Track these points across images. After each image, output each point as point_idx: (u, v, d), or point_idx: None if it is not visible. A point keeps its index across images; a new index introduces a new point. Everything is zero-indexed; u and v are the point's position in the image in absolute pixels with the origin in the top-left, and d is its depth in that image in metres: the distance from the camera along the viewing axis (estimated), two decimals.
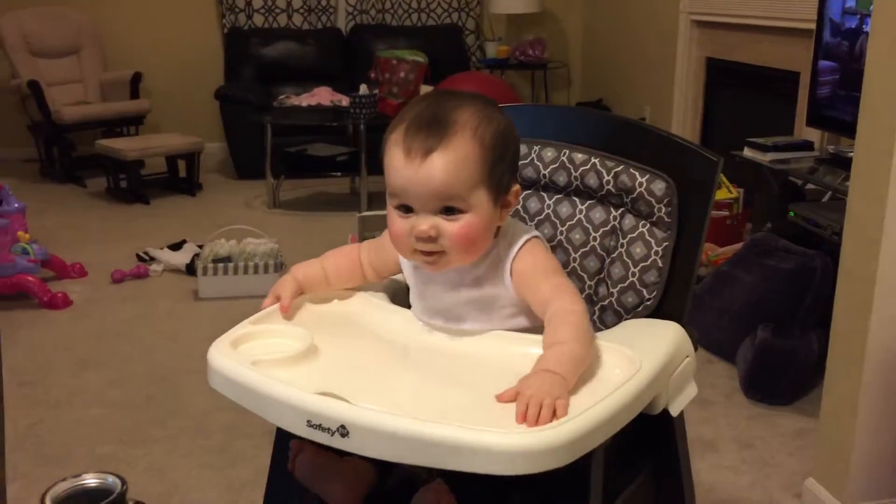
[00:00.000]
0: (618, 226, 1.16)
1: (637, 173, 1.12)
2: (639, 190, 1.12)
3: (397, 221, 1.04)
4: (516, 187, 1.07)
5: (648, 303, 1.12)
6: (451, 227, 1.01)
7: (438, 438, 0.78)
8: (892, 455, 1.92)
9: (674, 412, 0.99)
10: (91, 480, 0.43)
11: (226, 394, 0.93)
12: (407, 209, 1.03)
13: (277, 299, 1.10)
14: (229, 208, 4.71)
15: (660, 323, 1.04)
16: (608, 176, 1.15)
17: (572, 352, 0.93)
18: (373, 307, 1.10)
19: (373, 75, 4.66)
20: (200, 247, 3.67)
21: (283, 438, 1.07)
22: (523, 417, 0.84)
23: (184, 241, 3.90)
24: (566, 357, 0.92)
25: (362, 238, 3.51)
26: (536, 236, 1.09)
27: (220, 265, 3.37)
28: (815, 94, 3.10)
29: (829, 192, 3.04)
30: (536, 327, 1.04)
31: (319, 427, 0.83)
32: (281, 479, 1.08)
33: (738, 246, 3.15)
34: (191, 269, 3.59)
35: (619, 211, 1.16)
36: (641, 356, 0.94)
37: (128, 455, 2.22)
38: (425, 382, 0.97)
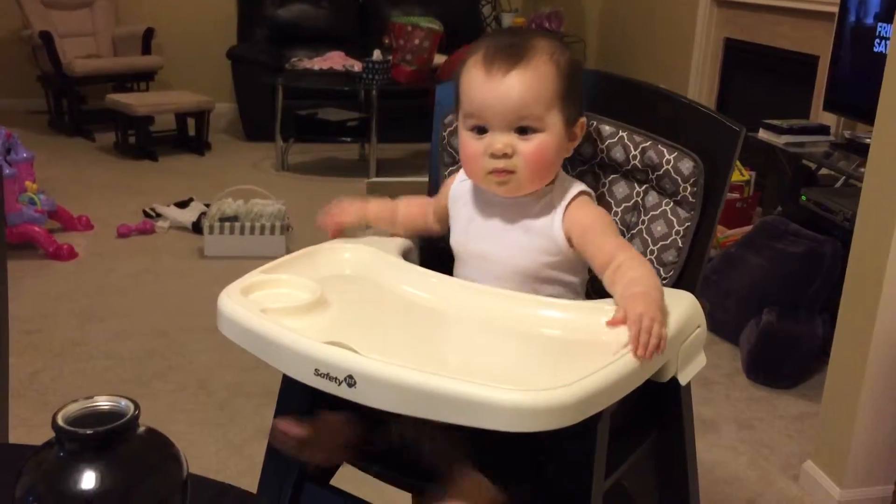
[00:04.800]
0: (640, 202, 1.15)
1: (665, 150, 1.10)
2: (666, 167, 1.10)
3: (471, 143, 1.07)
4: (582, 120, 1.10)
5: (665, 282, 1.10)
6: (526, 146, 1.04)
7: (445, 391, 0.78)
8: (891, 442, 1.92)
9: (683, 381, 0.98)
10: (104, 403, 0.42)
11: (234, 340, 0.92)
12: (481, 130, 1.06)
13: (337, 223, 1.16)
14: (237, 169, 4.69)
15: (673, 292, 1.03)
16: (635, 151, 1.13)
17: (648, 278, 0.98)
18: (385, 263, 1.10)
19: (387, 41, 4.61)
20: (207, 205, 3.66)
21: (289, 391, 1.06)
22: (637, 343, 0.88)
23: (190, 199, 3.89)
24: (647, 284, 0.97)
25: None
26: (588, 192, 1.11)
27: (227, 224, 3.36)
28: (834, 79, 3.07)
29: (843, 178, 3.02)
30: (566, 282, 1.09)
31: (327, 376, 0.82)
32: (292, 402, 1.07)
33: (748, 228, 3.13)
34: (197, 227, 3.58)
35: (644, 187, 1.15)
36: None
37: None
38: (435, 337, 0.97)
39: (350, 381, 0.81)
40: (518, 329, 0.94)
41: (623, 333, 0.91)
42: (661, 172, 1.10)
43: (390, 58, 4.53)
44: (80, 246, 3.38)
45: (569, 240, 1.07)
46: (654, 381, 0.93)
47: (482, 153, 1.05)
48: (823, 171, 3.11)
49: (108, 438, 0.40)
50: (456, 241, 1.15)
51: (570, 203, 1.08)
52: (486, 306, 0.99)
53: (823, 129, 3.16)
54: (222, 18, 5.80)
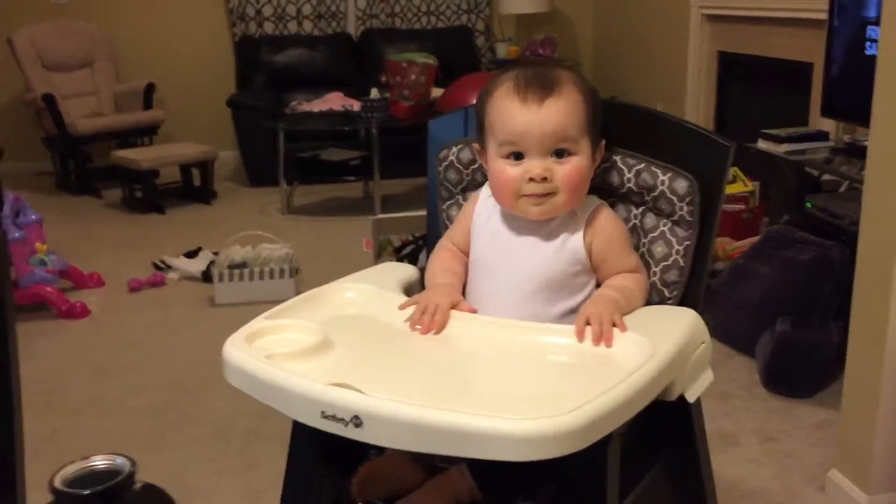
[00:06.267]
0: (639, 224, 1.16)
1: (659, 171, 1.12)
2: (661, 188, 1.12)
3: (507, 169, 1.11)
4: (602, 142, 1.15)
5: (669, 301, 1.12)
6: (563, 169, 1.09)
7: (451, 426, 0.78)
8: None
9: (690, 398, 0.98)
10: (100, 462, 0.43)
11: (241, 388, 0.93)
12: (517, 156, 1.10)
13: (432, 315, 1.09)
14: (244, 215, 4.72)
15: (675, 309, 1.03)
16: (629, 174, 1.15)
17: (631, 291, 1.06)
18: (387, 301, 1.10)
19: (384, 79, 4.66)
20: (216, 254, 3.68)
21: (300, 435, 1.07)
22: (581, 332, 0.97)
23: (199, 249, 3.91)
24: (626, 292, 1.05)
25: (376, 241, 3.51)
26: (605, 204, 1.16)
27: (236, 271, 3.38)
28: (829, 84, 3.08)
29: (846, 182, 3.01)
30: (585, 292, 1.13)
31: (333, 417, 0.82)
32: (299, 476, 1.08)
33: (755, 239, 3.13)
34: (207, 276, 3.60)
35: (641, 209, 1.16)
36: (657, 341, 0.93)
37: (147, 461, 2.19)
38: (438, 372, 0.97)
39: (357, 421, 0.81)
40: (524, 357, 0.95)
41: (628, 358, 0.91)
42: (656, 193, 1.11)
43: (388, 95, 4.58)
44: (93, 303, 3.40)
45: (588, 249, 1.11)
46: (663, 400, 0.93)
47: (519, 178, 1.09)
48: (826, 176, 3.10)
49: (106, 497, 0.41)
50: (480, 255, 1.17)
51: (591, 214, 1.13)
52: (491, 336, 1.00)
53: (823, 136, 3.17)
54: (221, 68, 5.88)
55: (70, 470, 0.41)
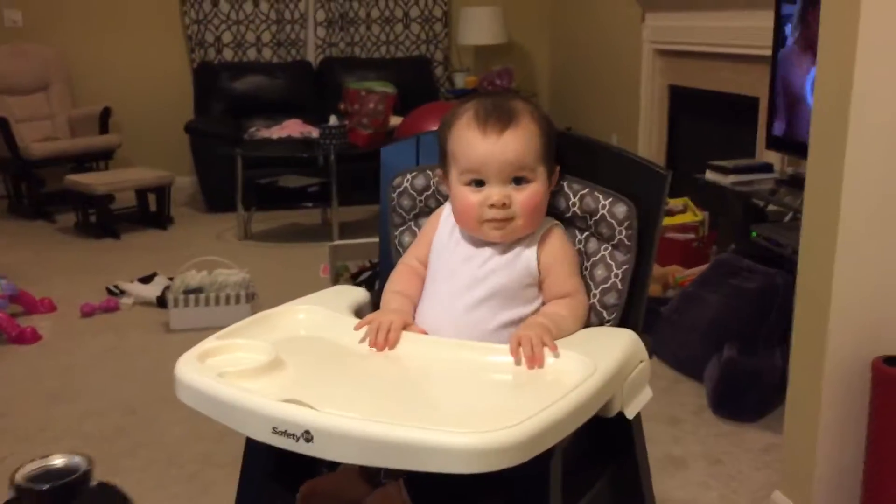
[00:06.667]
0: (583, 249, 1.21)
1: (601, 196, 1.18)
2: (602, 212, 1.17)
3: (469, 196, 1.16)
4: (557, 167, 1.21)
5: (608, 323, 1.16)
6: (521, 195, 1.16)
7: (398, 440, 0.81)
8: (854, 466, 1.96)
9: (629, 415, 1.02)
10: (58, 460, 0.45)
11: (193, 406, 0.95)
12: (478, 183, 1.15)
13: (386, 333, 1.12)
14: (201, 241, 4.71)
15: (614, 330, 1.08)
16: (574, 198, 1.20)
17: (560, 316, 1.11)
18: (337, 322, 1.13)
19: (342, 107, 4.70)
20: (171, 279, 3.66)
21: (252, 453, 1.08)
22: (516, 352, 1.02)
23: (154, 274, 3.89)
24: (554, 317, 1.10)
25: (333, 267, 3.53)
26: (559, 225, 1.22)
27: (192, 296, 3.37)
28: (773, 119, 3.19)
29: (790, 213, 3.11)
30: (535, 306, 1.18)
31: (284, 433, 0.85)
32: (249, 495, 1.09)
33: (704, 267, 3.21)
34: (161, 302, 3.58)
35: (584, 235, 1.22)
36: (597, 360, 0.97)
37: None
38: (387, 389, 1.00)
39: (307, 436, 0.84)
40: (470, 375, 0.99)
41: (569, 375, 0.95)
42: (598, 217, 1.16)
43: (346, 122, 4.62)
44: (44, 328, 3.36)
45: (538, 263, 1.17)
46: (603, 416, 0.97)
47: (481, 204, 1.15)
48: (771, 207, 3.20)
49: (64, 493, 0.43)
50: (439, 263, 1.22)
51: (545, 232, 1.18)
52: (438, 356, 1.03)
53: (767, 168, 3.27)
54: (178, 94, 5.88)
55: (30, 468, 0.43)
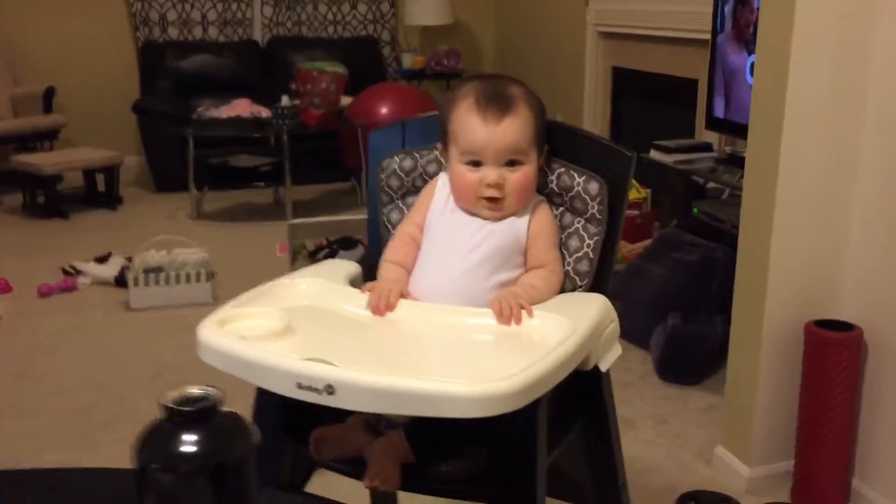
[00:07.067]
0: (559, 222, 1.35)
1: (576, 174, 1.31)
2: (577, 189, 1.30)
3: (467, 174, 1.28)
4: (546, 148, 1.33)
5: (581, 288, 1.30)
6: (514, 176, 1.28)
7: (412, 390, 0.93)
8: (789, 421, 2.15)
9: (603, 368, 1.16)
10: (195, 390, 0.55)
11: (217, 365, 1.05)
12: (476, 164, 1.27)
13: (387, 299, 1.21)
14: (152, 221, 4.72)
15: (588, 295, 1.22)
16: (552, 176, 1.33)
17: (534, 287, 1.23)
18: (337, 292, 1.24)
19: (294, 86, 4.75)
20: (129, 259, 3.69)
21: (265, 408, 1.20)
22: (499, 313, 1.14)
23: (109, 254, 3.91)
24: (528, 288, 1.22)
25: (292, 245, 3.61)
26: (545, 200, 1.35)
27: (152, 275, 3.41)
28: (712, 101, 3.37)
29: (728, 190, 3.30)
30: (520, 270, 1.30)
31: (309, 388, 0.96)
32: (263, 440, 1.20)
33: (648, 242, 3.39)
34: (120, 281, 3.61)
35: (560, 210, 1.34)
36: (576, 320, 1.11)
37: (76, 460, 2.27)
38: (393, 349, 1.12)
39: (330, 389, 0.95)
40: (465, 336, 1.11)
41: (552, 334, 1.08)
42: (573, 193, 1.30)
43: (297, 102, 4.67)
44: (1, 308, 3.37)
45: (527, 232, 1.30)
46: (580, 370, 1.10)
47: (478, 183, 1.27)
48: (711, 184, 3.39)
49: (203, 414, 0.54)
50: (436, 228, 1.33)
51: (536, 206, 1.31)
52: (433, 320, 1.15)
53: (707, 147, 3.46)
54: (123, 73, 5.83)
55: (174, 394, 0.53)
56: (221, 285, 3.55)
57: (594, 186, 1.28)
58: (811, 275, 2.08)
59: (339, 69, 4.71)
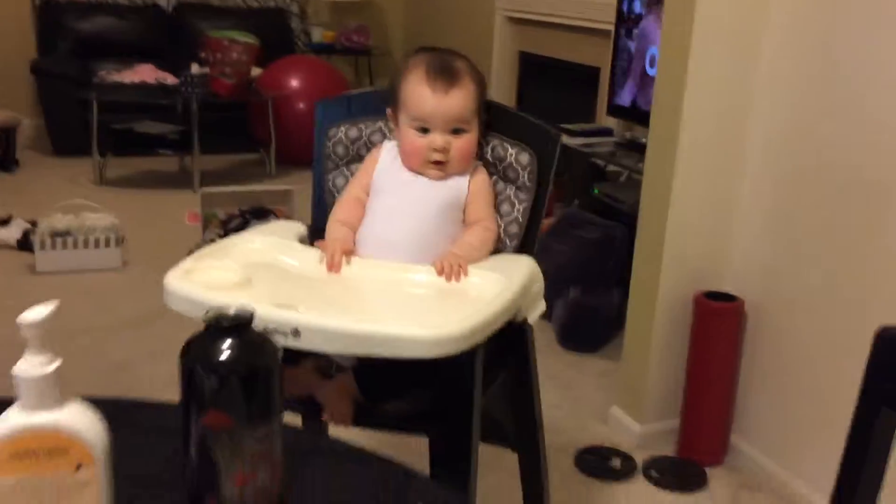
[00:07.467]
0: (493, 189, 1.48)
1: (509, 146, 1.46)
2: (509, 160, 1.45)
3: (417, 139, 1.41)
4: (486, 119, 1.48)
5: (510, 249, 1.45)
6: (458, 142, 1.42)
7: (376, 333, 1.05)
8: (676, 384, 2.37)
9: (531, 320, 1.31)
10: (232, 309, 0.64)
11: (186, 313, 1.13)
12: (424, 130, 1.39)
13: (341, 256, 1.31)
14: (53, 185, 4.61)
15: (518, 256, 1.37)
16: (487, 147, 1.47)
17: (472, 247, 1.37)
18: (288, 248, 1.34)
19: (204, 55, 4.71)
20: (31, 222, 3.63)
21: None
22: (440, 272, 1.27)
23: (10, 217, 3.82)
24: (467, 248, 1.36)
25: (205, 213, 3.63)
26: (482, 166, 1.49)
27: (59, 239, 3.38)
28: (614, 88, 3.58)
29: (626, 172, 3.53)
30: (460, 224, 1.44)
31: (275, 331, 1.06)
32: None
33: (552, 220, 3.58)
34: (23, 245, 3.55)
35: (494, 178, 1.49)
36: (509, 277, 1.25)
37: None
38: (345, 298, 1.23)
39: (296, 332, 1.05)
40: (412, 289, 1.24)
41: (484, 290, 1.22)
42: (506, 164, 1.44)
43: (208, 71, 4.64)
44: None
45: (467, 191, 1.43)
46: (511, 322, 1.24)
47: (426, 147, 1.40)
48: (610, 167, 3.61)
49: (238, 327, 0.64)
50: (384, 189, 1.45)
51: (476, 168, 1.45)
52: (376, 276, 1.28)
53: (608, 132, 3.68)
54: (18, 32, 5.61)
55: (213, 311, 0.62)
56: (131, 251, 3.54)
57: (525, 157, 1.43)
58: (701, 252, 2.30)
59: (251, 40, 4.71)
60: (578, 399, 2.63)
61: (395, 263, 1.30)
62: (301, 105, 5.02)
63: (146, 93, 4.91)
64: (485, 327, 1.11)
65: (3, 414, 0.60)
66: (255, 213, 3.69)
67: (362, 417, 1.26)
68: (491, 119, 1.48)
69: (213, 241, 3.53)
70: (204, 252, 1.29)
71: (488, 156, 1.47)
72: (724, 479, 2.25)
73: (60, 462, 0.58)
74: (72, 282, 3.26)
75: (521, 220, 1.44)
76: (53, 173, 4.88)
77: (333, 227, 1.42)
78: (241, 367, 0.63)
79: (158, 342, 2.74)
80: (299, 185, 3.90)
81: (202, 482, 0.65)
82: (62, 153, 5.20)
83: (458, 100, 1.39)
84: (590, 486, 2.20)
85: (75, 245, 3.39)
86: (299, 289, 1.23)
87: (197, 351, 0.63)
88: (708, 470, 2.27)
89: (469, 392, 1.20)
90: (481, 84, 1.45)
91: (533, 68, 4.96)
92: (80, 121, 4.92)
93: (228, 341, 0.63)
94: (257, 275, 1.23)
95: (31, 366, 0.59)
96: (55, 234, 3.39)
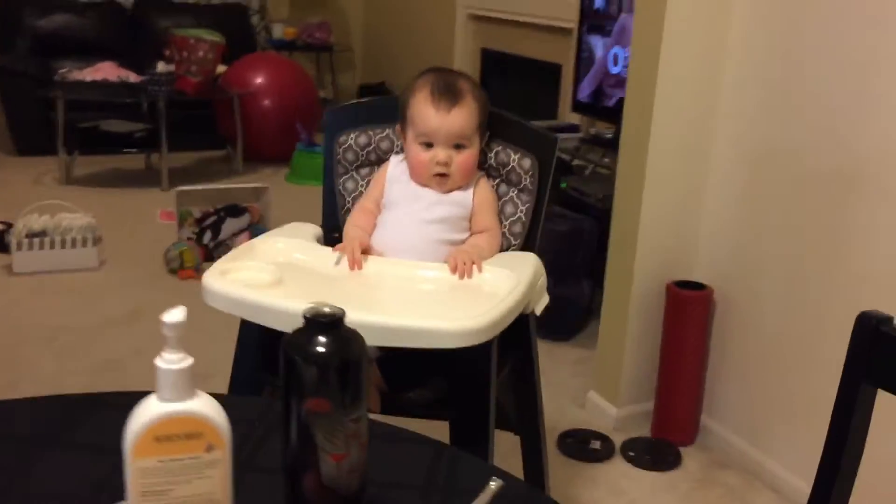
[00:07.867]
0: (496, 192, 1.60)
1: (511, 152, 1.57)
2: (512, 164, 1.56)
3: (421, 154, 1.51)
4: (487, 134, 1.58)
5: (514, 247, 1.58)
6: (460, 157, 1.53)
7: (409, 326, 1.15)
8: (650, 369, 2.51)
9: (537, 311, 1.43)
10: (326, 307, 0.73)
11: (225, 310, 1.22)
12: (429, 145, 1.49)
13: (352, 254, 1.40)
14: (18, 185, 4.59)
15: (523, 254, 1.49)
16: (491, 153, 1.57)
17: (482, 248, 1.48)
18: (310, 249, 1.44)
19: (168, 53, 4.73)
20: (5, 223, 3.63)
21: (245, 348, 1.38)
22: (454, 268, 1.37)
23: None
24: (477, 248, 1.47)
25: (180, 211, 3.67)
26: (486, 176, 1.60)
27: (36, 240, 3.39)
28: (578, 86, 3.71)
29: (592, 166, 3.67)
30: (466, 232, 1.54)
31: None
32: (245, 379, 1.38)
33: None
34: None
35: (497, 181, 1.59)
36: (518, 273, 1.36)
37: None
38: (372, 295, 1.33)
39: None
40: (430, 286, 1.34)
41: (496, 285, 1.32)
42: (509, 168, 1.56)
43: (173, 69, 4.66)
44: None
45: (472, 202, 1.54)
46: (520, 314, 1.35)
47: (429, 161, 1.50)
48: (577, 161, 3.75)
49: (333, 323, 0.74)
50: (395, 199, 1.55)
51: (478, 180, 1.56)
52: (394, 273, 1.38)
53: (574, 128, 3.81)
54: None
55: (310, 307, 0.71)
56: (106, 250, 3.57)
57: (527, 162, 1.54)
58: (672, 243, 2.44)
59: (217, 38, 4.74)
60: (556, 385, 2.75)
61: (414, 262, 1.41)
62: (266, 102, 5.07)
63: (111, 91, 4.91)
64: (504, 319, 1.22)
65: (143, 403, 0.68)
66: (230, 211, 3.75)
67: (386, 405, 1.37)
68: (495, 128, 1.59)
69: (189, 238, 3.63)
70: (233, 254, 1.37)
71: (492, 161, 1.58)
72: (697, 457, 2.40)
73: (195, 444, 0.67)
74: (50, 282, 3.29)
75: (524, 219, 1.56)
76: (17, 173, 4.85)
77: (350, 231, 1.53)
78: (337, 359, 0.73)
79: (144, 340, 2.80)
80: (266, 182, 3.96)
81: (301, 461, 0.75)
82: (25, 153, 5.16)
83: (460, 118, 1.50)
84: (572, 468, 2.32)
85: (52, 245, 3.41)
86: (325, 286, 1.33)
87: (298, 345, 0.72)
88: (682, 449, 2.42)
89: (486, 380, 1.31)
90: (483, 102, 1.55)
91: (495, 65, 5.08)
92: (43, 120, 4.90)
93: (325, 336, 0.73)
94: (286, 274, 1.32)
95: (170, 361, 0.68)
96: (31, 235, 3.40)
